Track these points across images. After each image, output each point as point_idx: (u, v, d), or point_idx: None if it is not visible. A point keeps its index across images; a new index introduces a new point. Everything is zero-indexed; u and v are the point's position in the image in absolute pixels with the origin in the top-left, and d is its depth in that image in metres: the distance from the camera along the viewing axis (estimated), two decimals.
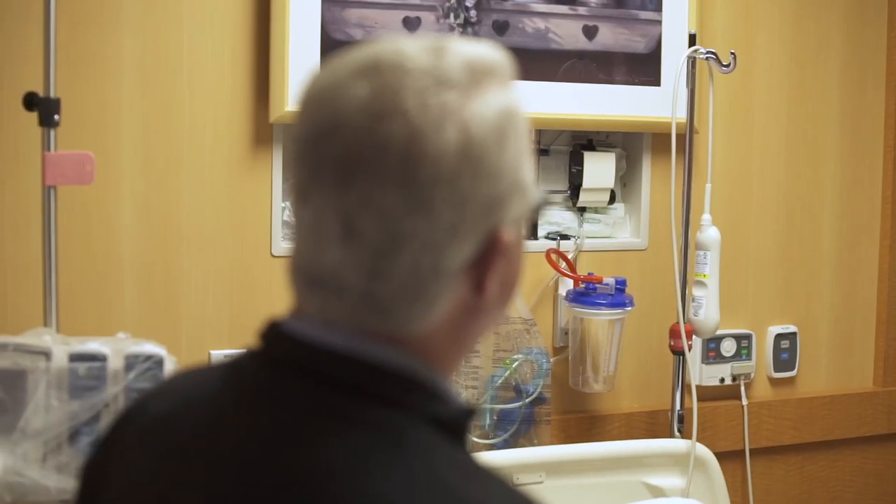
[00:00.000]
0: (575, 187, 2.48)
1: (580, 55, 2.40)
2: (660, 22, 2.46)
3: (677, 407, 2.43)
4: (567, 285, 2.43)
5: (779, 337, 2.69)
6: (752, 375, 2.67)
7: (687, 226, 2.41)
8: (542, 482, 2.23)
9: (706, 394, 2.57)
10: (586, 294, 2.37)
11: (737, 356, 2.64)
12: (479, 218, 0.92)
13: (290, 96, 2.16)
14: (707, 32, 2.51)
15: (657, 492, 2.32)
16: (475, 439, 2.28)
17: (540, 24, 2.36)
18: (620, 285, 2.38)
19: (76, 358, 1.75)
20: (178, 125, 2.16)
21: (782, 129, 2.67)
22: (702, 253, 2.40)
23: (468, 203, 0.91)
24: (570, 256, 2.43)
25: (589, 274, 2.39)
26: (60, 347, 1.74)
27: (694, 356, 2.53)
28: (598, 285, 2.36)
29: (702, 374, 2.59)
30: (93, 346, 1.76)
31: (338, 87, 0.92)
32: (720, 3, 2.57)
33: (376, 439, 0.90)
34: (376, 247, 0.90)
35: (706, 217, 2.40)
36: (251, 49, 2.20)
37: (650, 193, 2.54)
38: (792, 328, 2.71)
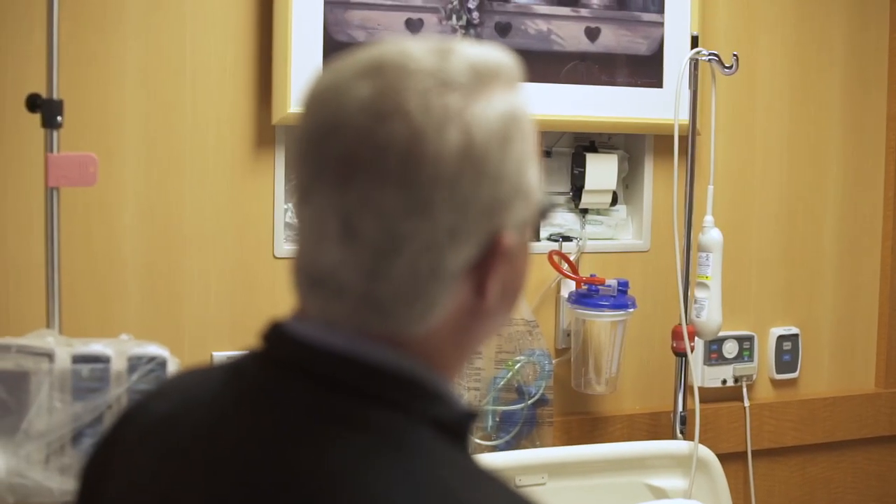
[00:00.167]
0: (577, 189, 2.48)
1: (582, 57, 2.40)
2: (662, 24, 2.46)
3: (679, 408, 2.43)
4: (569, 287, 2.43)
5: (781, 338, 2.70)
6: (754, 377, 2.67)
7: (689, 227, 2.41)
8: (544, 484, 2.23)
9: (708, 395, 2.57)
10: (588, 296, 2.37)
11: (739, 358, 2.64)
12: (480, 221, 0.91)
13: (292, 98, 2.16)
14: (709, 34, 2.51)
15: (659, 493, 2.32)
16: (478, 441, 2.28)
17: (542, 25, 2.36)
18: (623, 287, 2.38)
19: (79, 359, 1.74)
20: (181, 127, 2.16)
21: (784, 130, 2.68)
22: (704, 254, 2.40)
23: (469, 205, 0.90)
24: (572, 258, 2.43)
25: (591, 275, 2.39)
26: (63, 349, 1.74)
27: (696, 358, 2.53)
28: (600, 287, 2.36)
29: (704, 375, 2.59)
30: (96, 347, 1.75)
31: (340, 87, 0.92)
32: (722, 5, 2.57)
33: (377, 441, 0.90)
34: (376, 247, 0.90)
35: (708, 219, 2.40)
36: (254, 50, 2.20)
37: (652, 195, 2.54)
38: (794, 330, 2.71)
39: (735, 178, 2.62)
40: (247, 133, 2.21)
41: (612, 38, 2.42)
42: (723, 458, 2.42)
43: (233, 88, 2.19)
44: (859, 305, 2.79)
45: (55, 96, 1.87)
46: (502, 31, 2.33)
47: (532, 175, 0.95)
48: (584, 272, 2.43)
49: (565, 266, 2.41)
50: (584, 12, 2.39)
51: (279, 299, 2.17)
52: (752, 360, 2.65)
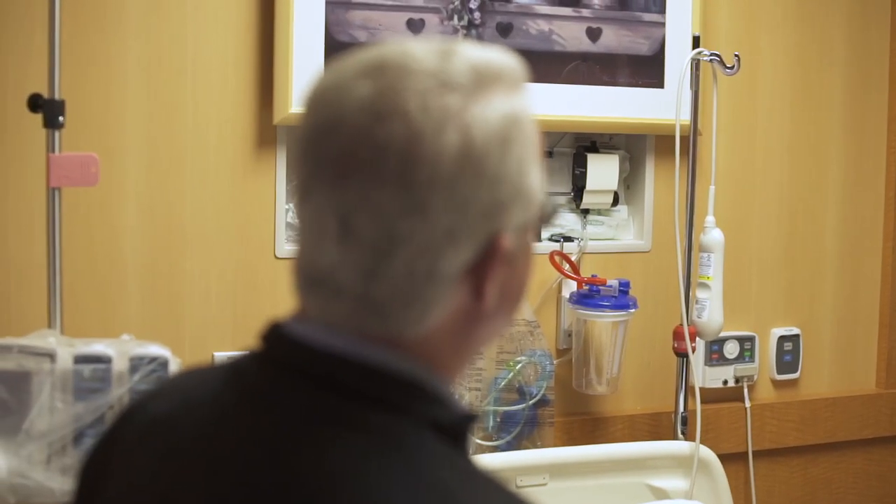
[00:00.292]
0: (578, 189, 2.48)
1: (584, 57, 2.40)
2: (663, 24, 2.46)
3: (681, 409, 2.43)
4: (570, 287, 2.43)
5: (782, 339, 2.69)
6: (755, 377, 2.67)
7: (690, 228, 2.41)
8: (545, 484, 2.23)
9: (709, 396, 2.57)
10: (590, 296, 2.37)
11: (740, 358, 2.64)
12: (478, 223, 0.91)
13: (293, 98, 2.16)
14: (711, 34, 2.51)
15: (660, 494, 2.32)
16: (479, 441, 2.28)
17: (544, 25, 2.36)
18: (624, 287, 2.37)
19: (81, 360, 1.74)
20: (182, 127, 2.16)
21: (785, 131, 2.68)
22: (705, 255, 2.40)
23: (467, 207, 0.90)
24: (573, 258, 2.43)
25: (592, 276, 2.39)
26: (65, 349, 1.74)
27: (697, 358, 2.53)
28: (601, 287, 2.36)
29: (705, 376, 2.59)
30: (97, 347, 1.75)
31: (341, 87, 0.92)
32: (724, 6, 2.57)
33: (378, 443, 0.90)
34: (372, 247, 0.90)
35: (710, 219, 2.40)
36: (255, 51, 2.20)
37: (653, 195, 2.53)
38: (795, 330, 2.71)
39: (736, 178, 2.62)
40: (248, 133, 2.21)
41: (614, 39, 2.42)
42: (724, 458, 2.42)
43: (234, 88, 2.19)
44: (860, 306, 2.79)
45: (57, 96, 1.87)
46: (504, 31, 2.33)
47: (533, 178, 0.95)
48: (586, 272, 2.43)
49: (566, 266, 2.41)
50: (585, 12, 2.39)
51: (280, 299, 2.17)
52: (752, 361, 2.65)
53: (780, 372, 2.70)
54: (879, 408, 2.81)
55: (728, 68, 2.36)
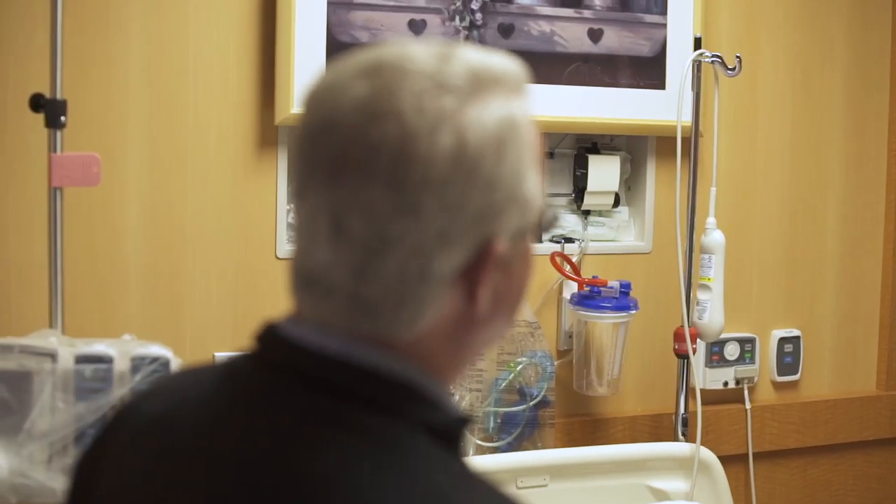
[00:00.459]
0: (579, 190, 2.48)
1: (585, 58, 2.40)
2: (665, 25, 2.46)
3: (681, 410, 2.43)
4: (571, 288, 2.43)
5: (782, 341, 2.69)
6: (756, 379, 2.67)
7: (691, 229, 2.41)
8: (546, 485, 2.23)
9: (710, 397, 2.57)
10: (591, 297, 2.37)
11: (740, 360, 2.64)
12: (471, 226, 0.91)
13: (295, 98, 2.16)
14: (712, 36, 2.51)
15: (661, 495, 2.32)
16: (479, 442, 2.28)
17: (545, 27, 2.36)
18: (625, 288, 2.37)
19: (82, 360, 1.74)
20: (184, 127, 2.16)
21: (786, 132, 2.68)
22: (706, 256, 2.40)
23: (459, 209, 0.90)
24: (574, 259, 2.43)
25: (593, 277, 2.39)
26: (66, 349, 1.74)
27: (698, 360, 2.53)
28: (602, 288, 2.36)
29: (705, 377, 2.59)
30: (99, 347, 1.75)
31: (338, 87, 0.92)
32: (725, 7, 2.57)
33: (371, 445, 0.90)
34: (364, 247, 0.89)
35: (711, 220, 2.41)
36: (257, 51, 2.20)
37: (654, 197, 2.53)
38: (795, 332, 2.71)
39: (737, 179, 2.62)
40: (249, 133, 2.21)
41: (615, 40, 2.42)
42: (724, 460, 2.42)
43: (236, 89, 2.19)
44: (861, 308, 2.80)
45: (59, 96, 1.87)
46: (505, 32, 2.33)
47: (531, 183, 0.94)
48: (586, 274, 2.43)
49: (567, 267, 2.41)
50: (587, 14, 2.39)
51: (281, 300, 2.14)
52: (753, 363, 2.65)
53: (780, 374, 2.70)
54: (880, 410, 2.81)
55: (729, 70, 2.36)
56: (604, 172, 2.46)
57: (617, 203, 2.52)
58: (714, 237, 2.40)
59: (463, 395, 2.29)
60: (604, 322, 2.37)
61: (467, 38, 2.29)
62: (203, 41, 2.17)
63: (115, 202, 2.12)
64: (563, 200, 2.50)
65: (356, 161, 0.89)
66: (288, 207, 2.24)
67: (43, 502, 1.70)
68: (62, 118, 1.86)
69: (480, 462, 2.21)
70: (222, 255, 2.20)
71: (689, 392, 2.42)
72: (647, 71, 2.45)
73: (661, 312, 2.53)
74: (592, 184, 2.45)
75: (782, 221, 2.69)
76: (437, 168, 0.88)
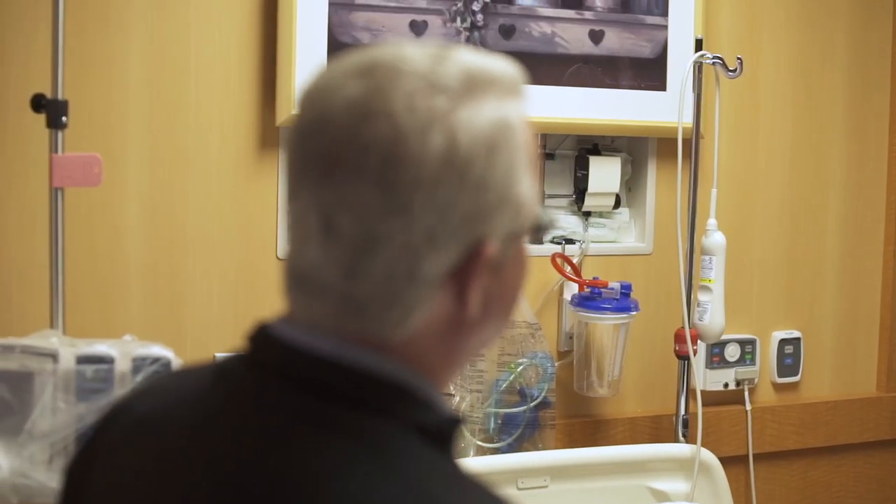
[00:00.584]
0: (580, 192, 2.48)
1: (586, 59, 2.40)
2: (666, 27, 2.46)
3: (682, 412, 2.43)
4: (572, 290, 2.43)
5: (783, 342, 2.70)
6: (756, 380, 2.67)
7: (692, 230, 2.41)
8: (546, 486, 2.23)
9: (710, 399, 2.57)
10: (591, 298, 2.37)
11: (741, 361, 2.64)
12: (461, 227, 0.90)
13: (296, 99, 2.15)
14: (713, 37, 2.52)
15: (661, 496, 2.32)
16: (479, 443, 2.28)
17: (546, 28, 2.36)
18: (625, 290, 2.37)
19: (83, 360, 1.74)
20: (185, 127, 2.16)
21: (787, 134, 2.68)
22: (707, 258, 2.40)
23: (449, 210, 0.89)
24: (575, 261, 2.43)
25: (594, 278, 2.39)
26: (67, 349, 1.74)
27: (698, 361, 2.53)
28: (603, 290, 2.36)
29: (706, 378, 2.59)
30: (100, 348, 1.75)
31: (331, 86, 0.92)
32: (726, 8, 2.57)
33: (361, 446, 0.90)
34: (353, 246, 0.89)
35: (711, 222, 2.41)
36: (258, 51, 2.20)
37: (655, 198, 2.54)
38: (796, 333, 2.71)
39: (738, 181, 2.62)
40: (250, 134, 2.21)
41: (616, 41, 2.42)
42: (724, 461, 2.42)
43: (237, 90, 2.19)
44: (861, 309, 2.80)
45: (60, 97, 1.87)
46: (506, 33, 2.33)
47: (524, 186, 0.94)
48: (587, 275, 2.43)
49: (568, 269, 2.41)
50: (588, 15, 2.39)
51: (282, 301, 2.17)
52: (753, 364, 2.65)
53: (780, 375, 2.70)
54: (880, 411, 2.81)
55: (730, 71, 2.36)
56: (604, 174, 2.46)
57: (618, 204, 2.52)
58: (715, 238, 2.40)
59: (464, 397, 2.29)
60: (604, 323, 2.37)
61: (468, 39, 2.29)
62: (204, 42, 2.17)
63: (117, 202, 2.12)
64: (563, 202, 2.51)
65: (347, 160, 0.89)
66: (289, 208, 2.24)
67: (44, 503, 1.70)
68: (63, 118, 1.86)
69: (481, 463, 2.21)
70: (223, 255, 2.20)
71: (690, 393, 2.42)
72: (648, 72, 2.45)
73: (661, 314, 2.53)
74: (593, 185, 2.45)
75: (783, 223, 2.69)
76: (427, 168, 0.88)
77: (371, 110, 0.89)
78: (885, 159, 2.79)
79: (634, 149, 2.56)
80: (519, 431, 2.31)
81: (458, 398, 2.29)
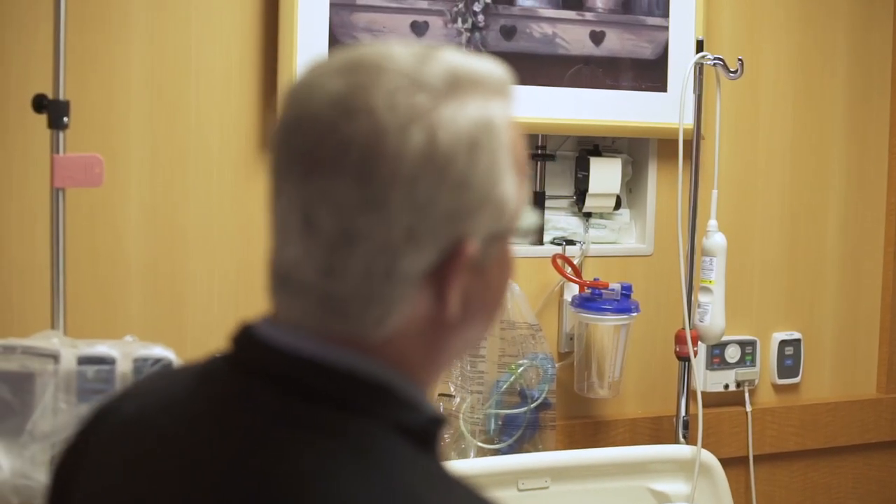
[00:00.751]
0: (581, 192, 2.48)
1: (587, 60, 2.40)
2: (667, 28, 2.46)
3: (682, 413, 2.43)
4: (572, 291, 2.43)
5: (783, 343, 2.70)
6: (756, 382, 2.67)
7: (693, 231, 2.41)
8: (547, 487, 2.23)
9: (710, 400, 2.57)
10: (592, 299, 2.37)
11: (741, 362, 2.64)
12: (441, 226, 0.90)
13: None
14: (714, 38, 2.52)
15: (662, 497, 2.32)
16: (480, 444, 2.28)
17: (547, 29, 2.36)
18: (626, 291, 2.37)
19: (84, 361, 1.74)
20: (186, 128, 2.16)
21: (788, 135, 2.68)
22: (707, 259, 2.40)
23: (428, 208, 0.89)
24: (575, 262, 2.43)
25: (594, 279, 2.39)
26: (69, 350, 1.74)
27: (698, 362, 2.53)
28: (603, 291, 2.36)
29: (706, 380, 2.59)
30: (101, 349, 1.75)
31: (315, 83, 0.92)
32: (727, 10, 2.57)
33: (345, 447, 0.90)
34: (332, 242, 0.89)
35: (712, 223, 2.40)
36: (259, 52, 2.20)
37: (656, 199, 2.54)
38: (796, 335, 2.71)
39: (738, 182, 2.62)
40: (251, 135, 2.21)
41: (617, 42, 2.42)
42: (724, 462, 2.42)
43: (238, 90, 2.19)
44: (861, 310, 2.80)
45: (61, 97, 1.87)
46: (507, 34, 2.33)
47: (507, 187, 0.93)
48: (588, 276, 2.43)
49: (568, 270, 2.41)
50: (589, 16, 2.39)
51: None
52: (754, 365, 2.65)
53: (780, 376, 2.70)
54: (880, 413, 2.81)
55: (731, 72, 2.36)
56: (605, 175, 2.46)
57: (618, 205, 2.53)
58: (715, 240, 2.40)
59: (464, 398, 2.28)
60: (605, 324, 2.37)
61: (469, 40, 2.29)
62: (205, 42, 2.17)
63: (118, 203, 2.12)
64: (564, 203, 2.51)
65: (328, 156, 0.89)
66: None
67: None
68: (65, 119, 1.86)
69: (481, 464, 2.21)
70: (224, 256, 2.20)
71: (690, 394, 2.42)
72: (649, 73, 2.45)
73: (662, 315, 2.53)
74: (594, 186, 2.45)
75: (783, 224, 2.69)
76: (406, 165, 0.88)
77: (353, 107, 0.89)
78: (886, 160, 2.79)
79: (635, 150, 2.56)
80: (519, 432, 2.31)
81: (458, 399, 2.29)
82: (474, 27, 2.30)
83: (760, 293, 2.68)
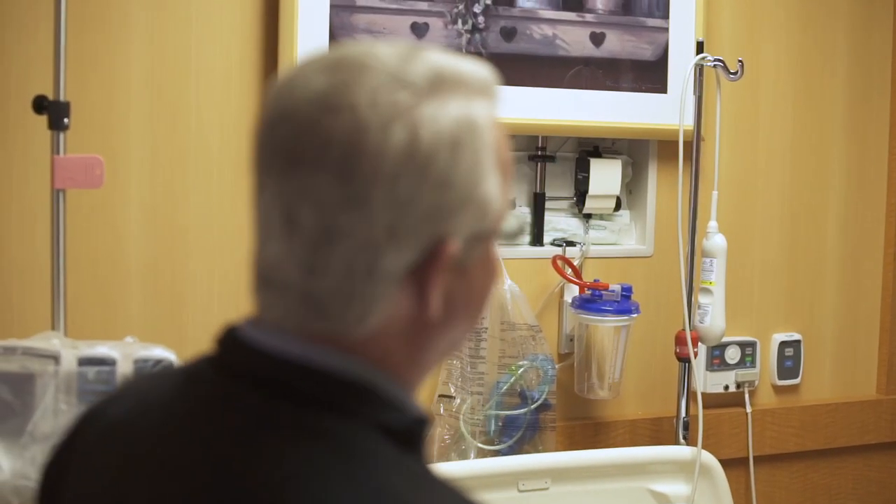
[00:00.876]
0: (581, 194, 2.48)
1: (587, 62, 2.40)
2: (667, 29, 2.46)
3: (682, 414, 2.43)
4: (573, 292, 2.43)
5: (783, 344, 2.70)
6: (756, 383, 2.67)
7: (693, 233, 2.41)
8: (547, 488, 2.23)
9: (710, 401, 2.57)
10: (592, 301, 2.37)
11: (741, 363, 2.64)
12: (422, 224, 0.90)
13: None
14: (714, 40, 2.52)
15: (662, 499, 2.32)
16: (480, 445, 2.28)
17: (547, 30, 2.36)
18: (626, 292, 2.37)
19: (85, 362, 1.74)
20: (186, 129, 2.16)
21: (788, 136, 2.68)
22: (708, 260, 2.40)
23: (409, 206, 0.89)
24: (575, 263, 2.43)
25: (595, 280, 2.39)
26: (69, 351, 1.74)
27: (699, 363, 2.53)
28: (603, 292, 2.36)
29: (706, 381, 2.59)
30: (102, 349, 1.75)
31: (298, 81, 0.92)
32: (727, 11, 2.57)
33: (328, 448, 0.90)
34: (313, 239, 0.89)
35: (712, 224, 2.40)
36: (259, 53, 2.20)
37: (656, 200, 2.54)
38: (796, 336, 2.71)
39: (738, 183, 2.62)
40: (252, 135, 2.20)
41: (617, 44, 2.42)
42: (725, 463, 2.42)
43: (238, 91, 2.19)
44: (861, 312, 2.80)
45: (62, 98, 1.87)
46: (508, 35, 2.33)
47: (490, 186, 0.93)
48: (588, 277, 2.43)
49: (569, 271, 2.41)
50: (589, 17, 2.39)
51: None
52: (754, 366, 2.65)
53: (780, 377, 2.70)
54: (880, 414, 2.81)
55: (731, 74, 2.36)
56: (605, 176, 2.46)
57: (618, 207, 2.53)
58: (715, 241, 2.40)
59: (464, 399, 2.28)
60: (605, 325, 2.37)
61: (469, 41, 2.29)
62: (205, 43, 2.17)
63: (118, 204, 2.12)
64: (564, 204, 2.51)
65: (309, 152, 0.89)
66: None
67: None
68: (65, 120, 1.86)
69: (481, 465, 2.21)
70: (224, 256, 2.20)
71: (690, 395, 2.42)
72: (649, 75, 2.45)
73: (662, 316, 2.53)
74: (594, 187, 2.45)
75: (783, 225, 2.69)
76: (387, 162, 0.88)
77: (335, 103, 0.89)
78: (886, 161, 2.79)
79: (635, 151, 2.56)
80: (520, 433, 2.31)
81: (458, 400, 2.29)
82: (474, 28, 2.30)
83: (760, 294, 2.68)
